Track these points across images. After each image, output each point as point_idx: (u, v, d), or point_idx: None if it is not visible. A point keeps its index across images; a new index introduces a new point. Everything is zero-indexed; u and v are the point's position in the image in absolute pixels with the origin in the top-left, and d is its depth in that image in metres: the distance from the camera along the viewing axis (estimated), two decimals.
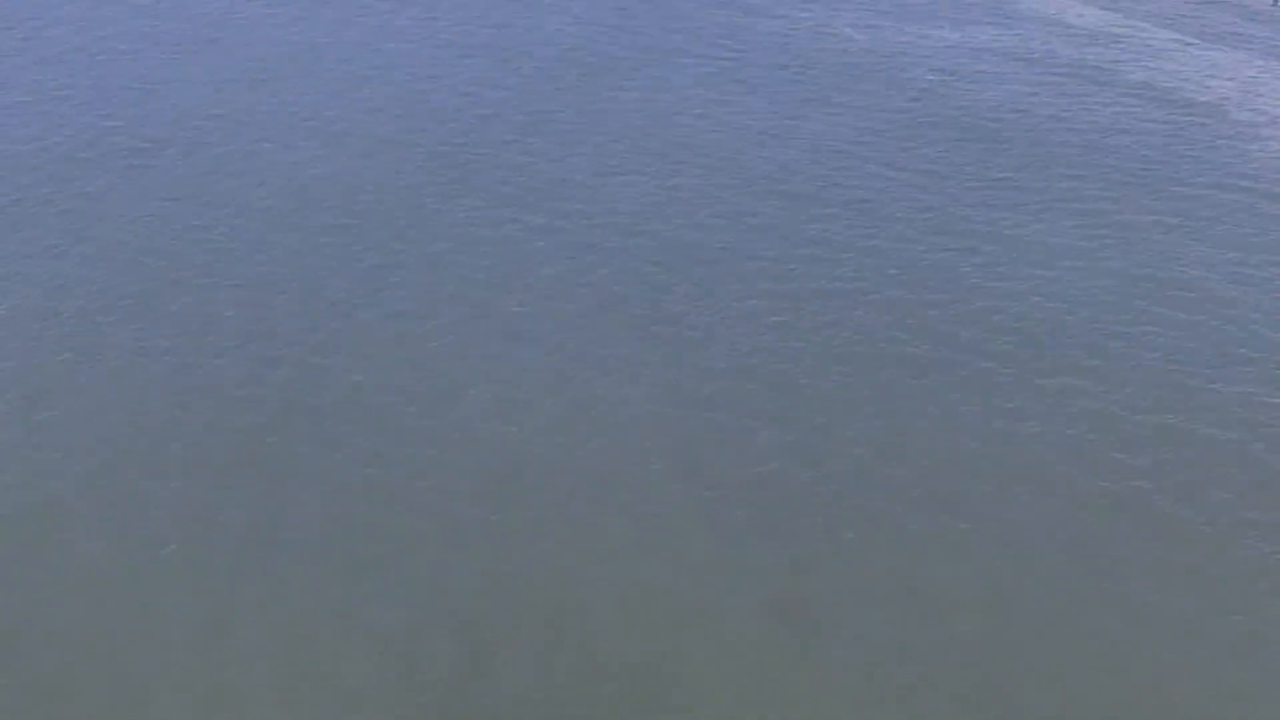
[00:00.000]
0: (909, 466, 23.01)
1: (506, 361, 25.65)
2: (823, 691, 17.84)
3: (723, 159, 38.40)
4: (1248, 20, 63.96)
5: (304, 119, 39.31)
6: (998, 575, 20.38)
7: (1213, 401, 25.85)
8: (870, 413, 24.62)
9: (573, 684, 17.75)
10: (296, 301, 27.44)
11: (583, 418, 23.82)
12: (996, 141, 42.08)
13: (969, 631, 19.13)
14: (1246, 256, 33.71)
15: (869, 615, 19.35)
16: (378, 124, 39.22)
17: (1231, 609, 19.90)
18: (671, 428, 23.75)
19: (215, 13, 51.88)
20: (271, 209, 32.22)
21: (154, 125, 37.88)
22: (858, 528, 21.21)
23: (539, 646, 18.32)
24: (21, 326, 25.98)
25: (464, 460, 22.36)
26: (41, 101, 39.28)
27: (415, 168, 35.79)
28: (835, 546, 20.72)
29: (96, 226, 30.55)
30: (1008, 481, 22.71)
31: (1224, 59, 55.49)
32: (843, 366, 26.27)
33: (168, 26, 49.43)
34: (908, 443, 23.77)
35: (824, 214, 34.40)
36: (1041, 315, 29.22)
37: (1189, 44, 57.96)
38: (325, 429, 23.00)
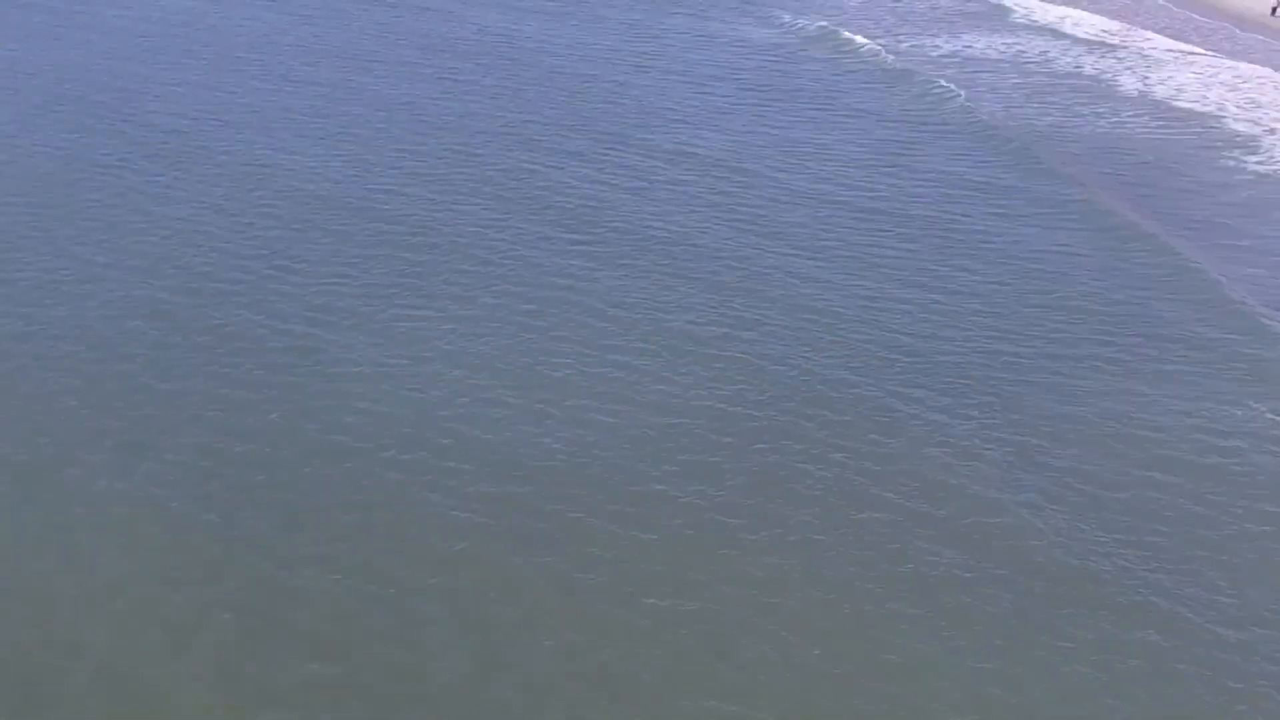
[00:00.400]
0: (918, 481, 23.00)
1: (511, 370, 25.56)
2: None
3: (727, 167, 38.44)
4: (1246, 29, 64.15)
5: (302, 122, 39.25)
6: (1003, 592, 20.38)
7: (1239, 419, 25.87)
8: (873, 432, 24.59)
9: (582, 691, 17.73)
10: (303, 306, 27.31)
11: (585, 427, 23.75)
12: (997, 154, 42.15)
13: (982, 649, 19.14)
14: (1250, 269, 33.81)
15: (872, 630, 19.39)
16: (378, 130, 39.16)
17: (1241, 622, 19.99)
18: (678, 441, 23.69)
19: (207, 15, 51.85)
20: (271, 213, 32.10)
21: (154, 129, 37.78)
22: (851, 543, 21.23)
23: (548, 652, 18.29)
24: (17, 340, 25.89)
25: (470, 469, 22.28)
26: (34, 113, 39.19)
27: (412, 174, 35.71)
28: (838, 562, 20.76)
29: (95, 234, 30.44)
30: (1018, 496, 22.71)
31: (1223, 67, 55.64)
32: (852, 377, 26.24)
33: (162, 32, 49.35)
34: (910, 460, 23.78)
35: (825, 220, 34.41)
36: (1044, 329, 29.26)
37: (1187, 53, 58.10)
38: (331, 438, 22.89)
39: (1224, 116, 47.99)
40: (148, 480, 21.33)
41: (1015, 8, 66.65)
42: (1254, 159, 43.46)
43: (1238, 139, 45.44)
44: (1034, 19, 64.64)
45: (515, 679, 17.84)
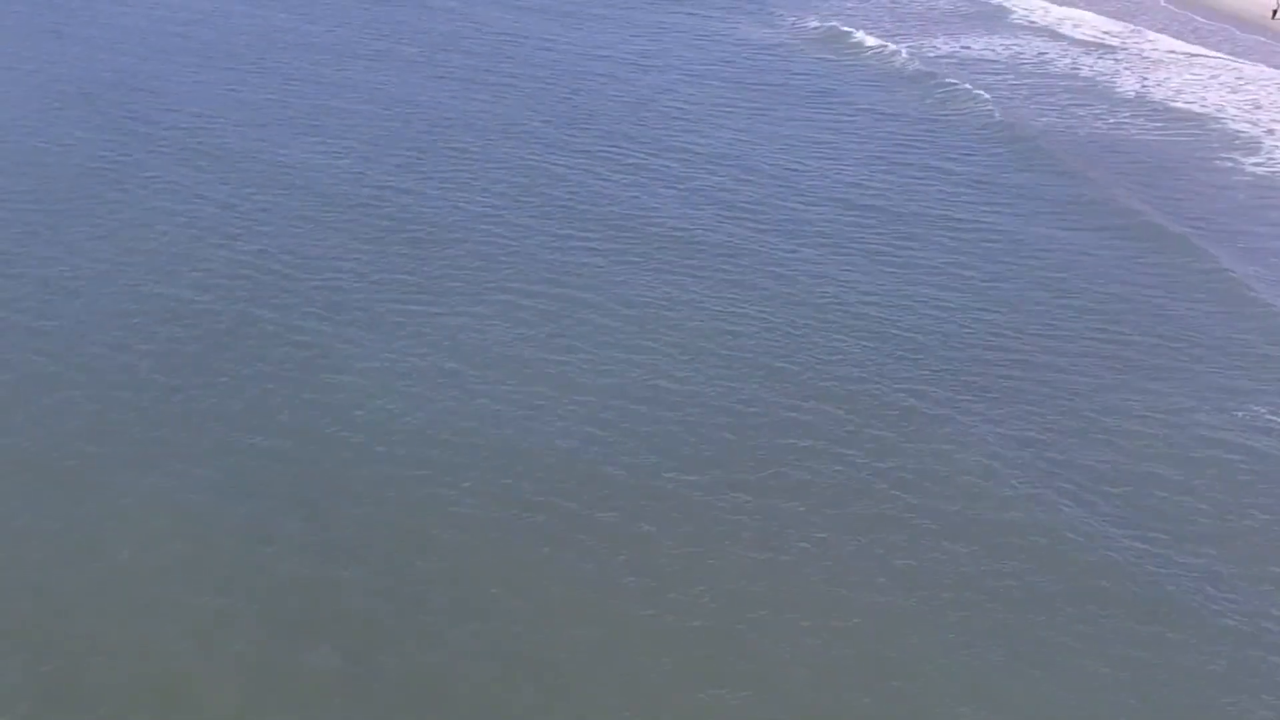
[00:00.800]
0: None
1: (525, 368, 25.53)
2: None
3: (736, 165, 38.52)
4: (1246, 31, 64.22)
5: (312, 120, 39.26)
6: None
7: (1241, 419, 25.99)
8: (886, 429, 24.62)
9: (599, 688, 17.79)
10: (317, 304, 27.26)
11: (601, 426, 23.71)
12: (1004, 152, 42.24)
13: (995, 645, 19.19)
14: (1257, 267, 33.93)
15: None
16: (385, 128, 39.17)
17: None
18: (691, 439, 23.69)
19: (212, 15, 51.84)
20: (283, 212, 32.07)
21: (161, 127, 37.81)
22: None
23: (564, 648, 18.33)
24: (30, 336, 25.92)
25: (485, 466, 22.28)
26: (41, 112, 39.22)
27: (420, 172, 35.69)
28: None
29: (107, 232, 30.44)
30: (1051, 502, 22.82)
31: (1224, 69, 55.71)
32: (865, 375, 26.28)
33: (167, 30, 49.35)
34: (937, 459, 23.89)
35: (836, 218, 34.49)
36: (1056, 326, 29.41)
37: (1189, 54, 58.16)
38: (345, 435, 22.82)
39: (1225, 118, 48.09)
40: (165, 477, 21.36)
41: (1015, 8, 66.68)
42: (1252, 160, 43.56)
43: (1238, 140, 45.55)
44: (1033, 20, 64.66)
45: (533, 674, 17.88)
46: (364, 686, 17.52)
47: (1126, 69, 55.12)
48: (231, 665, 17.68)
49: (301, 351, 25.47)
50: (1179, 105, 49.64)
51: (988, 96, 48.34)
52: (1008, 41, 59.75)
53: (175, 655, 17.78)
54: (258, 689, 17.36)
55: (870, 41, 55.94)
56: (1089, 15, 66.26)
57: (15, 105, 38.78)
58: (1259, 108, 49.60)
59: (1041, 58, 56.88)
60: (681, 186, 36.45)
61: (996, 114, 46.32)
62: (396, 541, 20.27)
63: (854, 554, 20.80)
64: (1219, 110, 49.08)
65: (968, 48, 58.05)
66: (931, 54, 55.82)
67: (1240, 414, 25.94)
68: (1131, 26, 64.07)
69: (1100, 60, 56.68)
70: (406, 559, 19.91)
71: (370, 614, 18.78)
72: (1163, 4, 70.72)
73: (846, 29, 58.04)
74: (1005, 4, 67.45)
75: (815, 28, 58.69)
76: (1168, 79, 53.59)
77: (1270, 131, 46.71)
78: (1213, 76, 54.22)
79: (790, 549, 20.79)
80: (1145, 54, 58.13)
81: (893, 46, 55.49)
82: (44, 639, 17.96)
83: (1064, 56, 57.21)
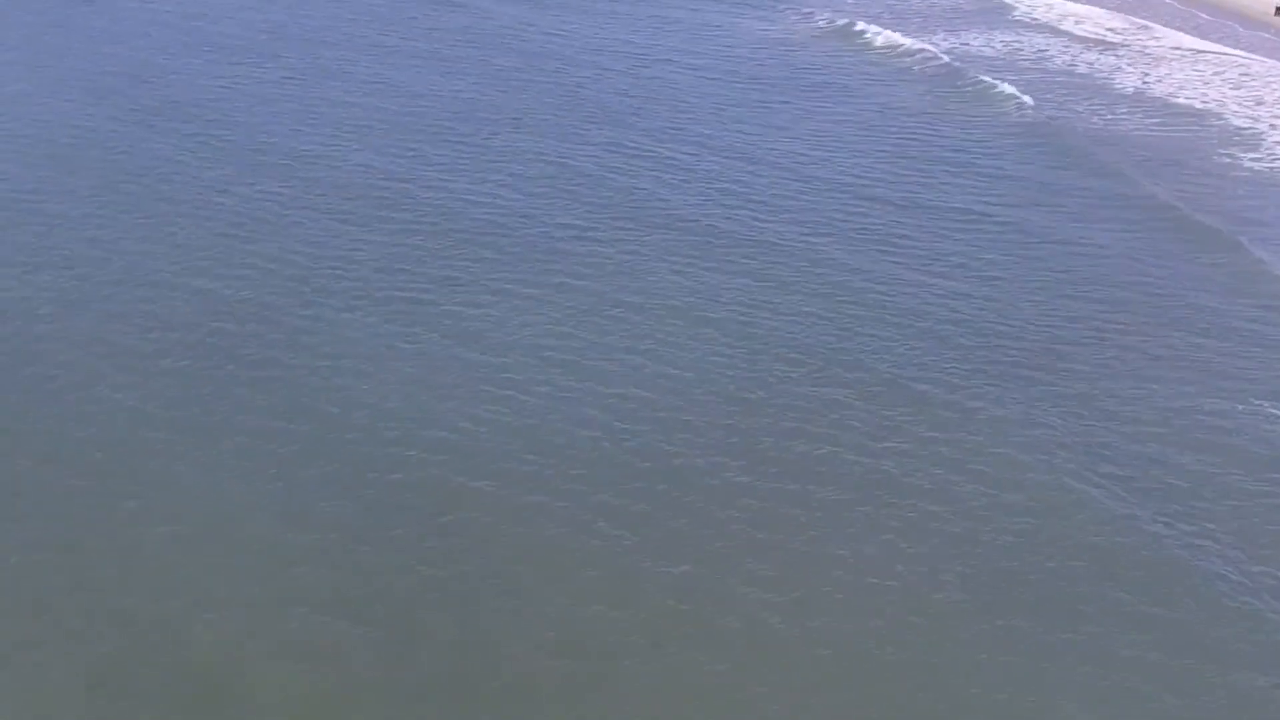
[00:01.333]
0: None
1: (556, 359, 25.82)
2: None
3: (736, 150, 38.98)
4: (1249, 28, 64.52)
5: (339, 115, 39.54)
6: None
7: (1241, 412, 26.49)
8: (913, 422, 24.98)
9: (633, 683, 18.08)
10: (344, 292, 27.53)
11: (641, 420, 24.04)
12: (1009, 148, 42.62)
13: (1028, 633, 19.66)
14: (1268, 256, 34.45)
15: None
16: (395, 118, 39.47)
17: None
18: (728, 433, 24.06)
19: (239, 9, 52.04)
20: (316, 206, 32.31)
21: (184, 119, 38.08)
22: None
23: (605, 637, 18.66)
24: (58, 322, 26.24)
25: (524, 456, 22.59)
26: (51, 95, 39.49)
27: (450, 168, 35.94)
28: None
29: (143, 227, 30.77)
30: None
31: (1229, 65, 56.03)
32: (893, 370, 26.59)
33: (185, 24, 49.55)
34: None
35: (862, 212, 34.86)
36: (1073, 316, 29.93)
37: (1191, 50, 58.47)
38: (378, 425, 23.13)
39: (1226, 114, 48.50)
40: (194, 465, 21.70)
41: (1018, 4, 66.89)
42: (1249, 157, 43.97)
43: (1239, 136, 45.97)
44: (1036, 16, 64.88)
45: (565, 655, 18.25)
46: (398, 670, 17.86)
47: (1130, 65, 55.44)
48: (265, 649, 18.01)
49: (328, 343, 25.78)
50: (1181, 100, 50.01)
51: (995, 91, 48.71)
52: (1010, 37, 60.05)
53: (210, 640, 18.12)
54: (294, 671, 17.68)
55: (878, 37, 56.20)
56: (1093, 11, 66.48)
57: (34, 100, 38.95)
58: (1261, 104, 50.02)
59: (1044, 53, 57.18)
60: (693, 178, 36.80)
61: (1002, 108, 46.70)
62: (428, 527, 20.63)
63: (875, 538, 21.19)
64: (1221, 106, 49.47)
65: (969, 44, 58.34)
66: (937, 50, 56.05)
67: (1257, 402, 26.37)
68: (1136, 22, 64.35)
69: (1103, 56, 56.98)
70: (437, 544, 20.27)
71: (403, 598, 19.11)
72: (1167, 0, 70.99)
73: (853, 25, 58.27)
74: (1008, 0, 67.68)
75: (819, 23, 58.93)
76: (1170, 74, 53.94)
77: (1273, 126, 47.18)
78: (1215, 73, 54.58)
79: (810, 537, 21.16)
80: (1149, 50, 58.43)
81: (901, 41, 55.78)
82: (80, 626, 18.26)
83: (1066, 52, 57.52)
